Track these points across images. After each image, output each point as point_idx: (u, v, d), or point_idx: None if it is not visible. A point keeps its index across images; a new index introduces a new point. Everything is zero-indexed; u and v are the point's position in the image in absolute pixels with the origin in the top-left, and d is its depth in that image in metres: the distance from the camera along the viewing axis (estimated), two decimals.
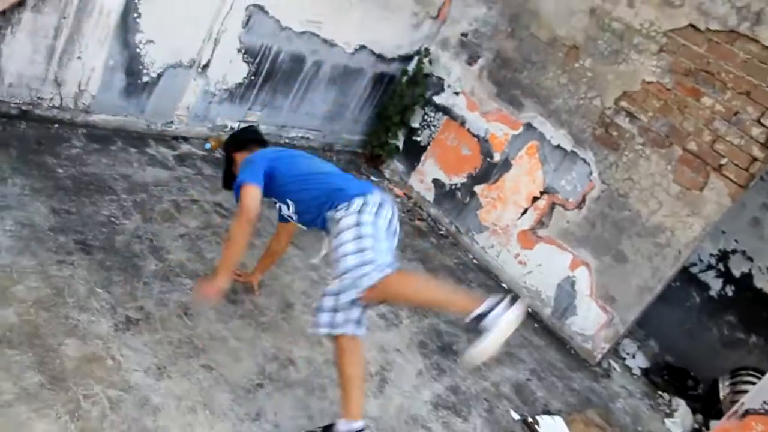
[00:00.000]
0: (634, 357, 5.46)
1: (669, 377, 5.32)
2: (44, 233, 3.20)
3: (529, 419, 3.90)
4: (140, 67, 4.23)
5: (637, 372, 5.29)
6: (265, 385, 3.07)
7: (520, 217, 5.27)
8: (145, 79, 4.31)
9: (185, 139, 4.79)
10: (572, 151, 4.99)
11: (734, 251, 5.40)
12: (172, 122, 4.67)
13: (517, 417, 3.88)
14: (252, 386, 3.02)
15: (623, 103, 4.74)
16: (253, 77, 4.84)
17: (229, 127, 5.01)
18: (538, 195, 5.16)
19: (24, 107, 3.92)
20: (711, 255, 5.51)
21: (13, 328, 2.64)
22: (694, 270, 5.60)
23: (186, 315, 3.21)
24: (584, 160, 4.93)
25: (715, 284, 5.52)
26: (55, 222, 3.31)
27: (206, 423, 2.71)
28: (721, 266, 5.48)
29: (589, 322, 4.94)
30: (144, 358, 2.84)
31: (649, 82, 4.62)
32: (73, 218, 3.41)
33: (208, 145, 4.83)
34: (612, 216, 4.81)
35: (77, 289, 2.99)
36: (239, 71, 4.74)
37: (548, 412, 4.07)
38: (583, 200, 4.94)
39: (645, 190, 4.66)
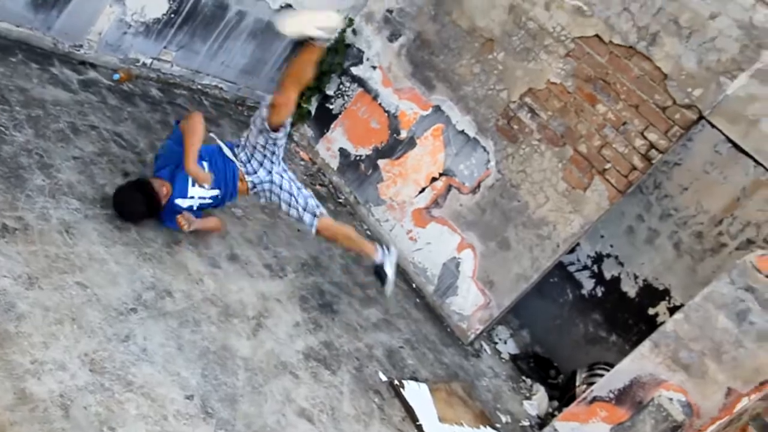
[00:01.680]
0: (506, 343, 5.77)
1: (534, 365, 5.66)
2: None
3: (396, 382, 4.08)
4: None
5: (506, 356, 5.59)
6: (138, 311, 3.08)
7: (417, 195, 5.45)
8: None
9: (93, 65, 4.66)
10: (474, 138, 5.21)
11: (608, 255, 5.79)
12: (81, 46, 4.53)
13: (384, 378, 4.06)
14: (125, 310, 3.03)
15: (527, 99, 4.99)
16: (173, 15, 4.77)
17: (141, 62, 4.91)
18: (437, 176, 5.36)
19: None
20: (588, 256, 5.88)
21: None
22: (571, 269, 5.96)
23: (67, 233, 3.17)
24: (484, 148, 5.16)
25: (588, 284, 5.89)
26: None
27: (72, 336, 2.71)
28: (595, 268, 5.86)
29: (468, 302, 5.18)
30: (15, 266, 2.80)
31: (553, 83, 4.89)
32: None
33: (116, 76, 4.72)
34: (502, 204, 5.07)
35: None
36: (159, 5, 4.66)
37: (415, 379, 4.27)
38: (478, 186, 5.18)
39: (536, 183, 4.93)
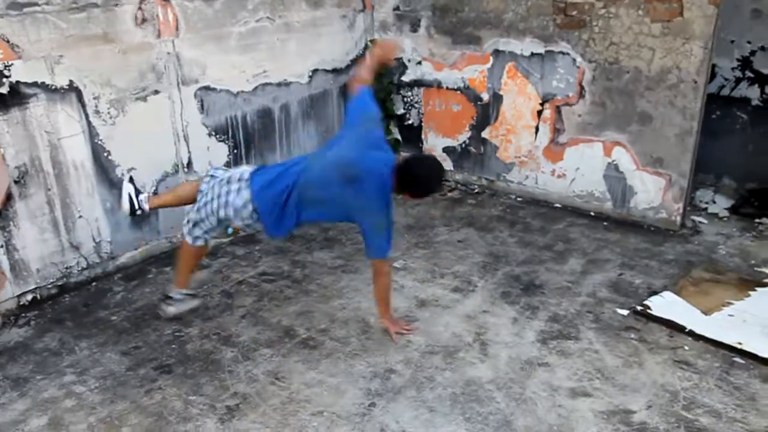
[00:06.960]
0: (714, 202, 5.28)
1: (759, 201, 5.12)
2: (124, 375, 3.34)
3: (638, 308, 3.82)
4: None
5: (725, 213, 5.11)
6: (377, 403, 3.10)
7: (536, 137, 5.20)
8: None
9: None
10: (547, 51, 4.92)
11: (753, 52, 5.17)
12: None
13: (625, 312, 3.80)
14: (365, 409, 3.06)
15: None
16: (235, 150, 4.97)
17: None
18: (540, 107, 5.10)
19: (59, 282, 4.12)
20: (733, 69, 5.28)
21: None
22: (725, 91, 5.37)
23: (278, 379, 3.28)
24: (562, 53, 4.86)
25: (753, 93, 5.27)
26: (129, 362, 3.45)
27: None
28: (748, 72, 5.24)
29: (651, 192, 4.81)
30: None
31: None
32: (143, 350, 3.55)
33: (230, 230, 4.95)
34: (615, 86, 4.71)
35: (174, 406, 3.10)
36: (221, 151, 4.87)
37: (654, 293, 3.97)
38: (582, 88, 4.86)
39: (631, 45, 4.54)
